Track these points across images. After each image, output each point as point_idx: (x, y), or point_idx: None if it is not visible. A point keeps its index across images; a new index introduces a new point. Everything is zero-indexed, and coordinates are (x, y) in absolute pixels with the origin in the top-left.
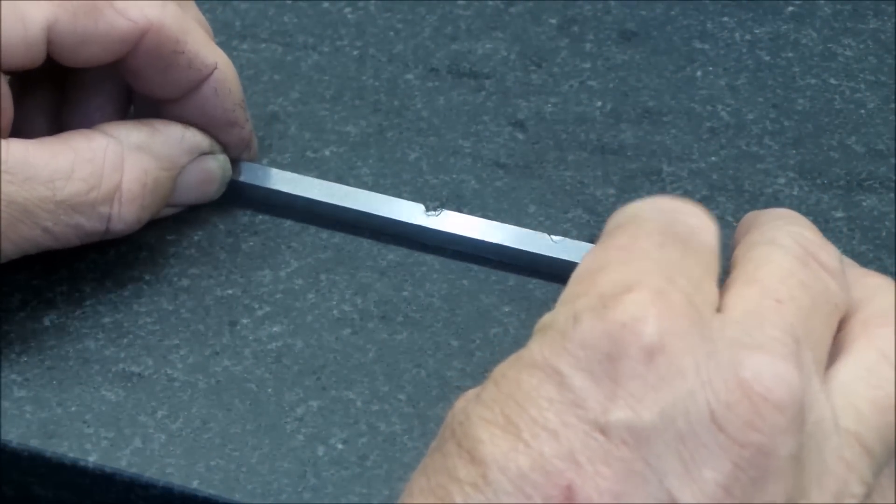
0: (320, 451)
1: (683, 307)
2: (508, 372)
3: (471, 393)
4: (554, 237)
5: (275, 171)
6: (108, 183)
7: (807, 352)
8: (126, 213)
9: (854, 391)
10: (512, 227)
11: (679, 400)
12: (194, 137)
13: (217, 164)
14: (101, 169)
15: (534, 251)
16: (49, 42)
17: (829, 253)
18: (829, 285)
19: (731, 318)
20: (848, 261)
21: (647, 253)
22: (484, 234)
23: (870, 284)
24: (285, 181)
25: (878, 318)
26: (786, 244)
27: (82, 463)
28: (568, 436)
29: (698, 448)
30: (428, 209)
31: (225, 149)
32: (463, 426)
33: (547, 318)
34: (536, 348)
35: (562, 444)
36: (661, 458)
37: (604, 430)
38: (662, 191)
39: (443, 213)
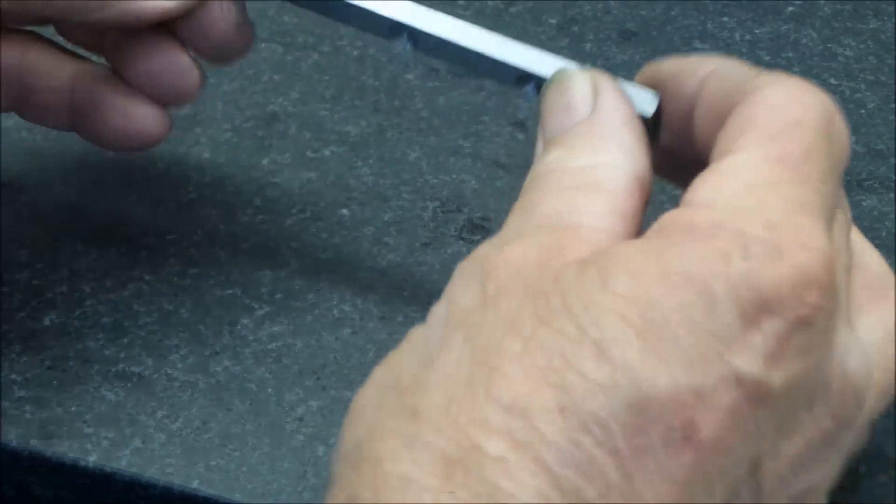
0: (320, 451)
1: (838, 281)
2: (651, 268)
3: (516, 250)
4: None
5: None
6: None
7: None
8: None
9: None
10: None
11: (804, 377)
12: None
13: None
14: None
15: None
16: None
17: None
18: None
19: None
20: None
21: (816, 188)
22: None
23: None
24: None
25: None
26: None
27: (82, 463)
28: (704, 371)
29: (794, 425)
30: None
31: None
32: (589, 310)
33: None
34: (696, 258)
35: (695, 377)
36: (767, 423)
37: (737, 377)
38: (662, 191)
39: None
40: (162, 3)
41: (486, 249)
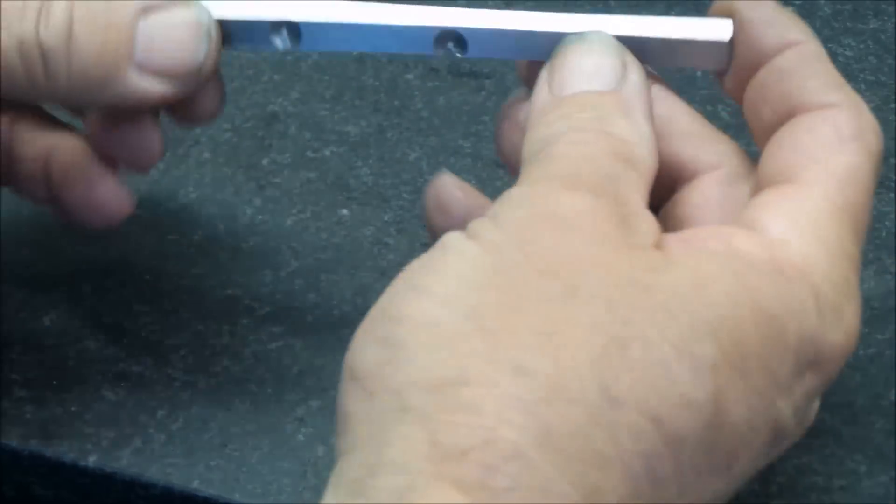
0: (320, 451)
1: None
2: (747, 300)
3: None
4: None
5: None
6: None
7: None
8: (52, 17)
9: None
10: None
11: (804, 426)
12: None
13: (189, 12)
14: None
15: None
16: None
17: None
18: None
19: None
20: None
21: (861, 244)
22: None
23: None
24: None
25: None
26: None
27: (82, 463)
28: (762, 411)
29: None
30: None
31: None
32: (694, 326)
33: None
34: (780, 303)
35: (754, 416)
36: (766, 458)
37: (776, 421)
38: None
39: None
40: (161, 88)
41: (546, 190)
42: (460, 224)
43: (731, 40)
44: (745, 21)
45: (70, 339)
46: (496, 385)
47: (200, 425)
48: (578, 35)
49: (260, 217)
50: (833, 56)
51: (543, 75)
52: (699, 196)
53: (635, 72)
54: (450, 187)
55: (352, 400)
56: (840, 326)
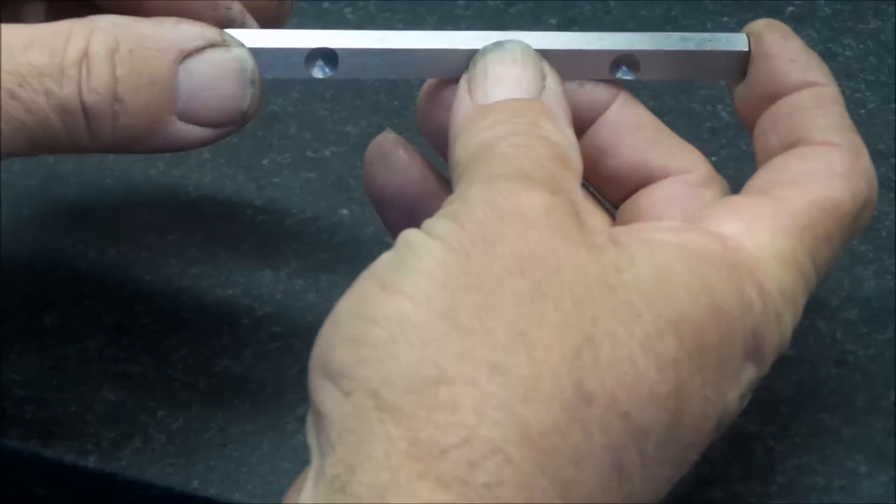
0: None
1: None
2: (703, 298)
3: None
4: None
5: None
6: (73, 48)
7: None
8: (94, 78)
9: None
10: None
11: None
12: (192, 25)
13: (229, 57)
14: (65, 36)
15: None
16: None
17: None
18: None
19: None
20: None
21: (818, 273)
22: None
23: None
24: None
25: None
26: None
27: (82, 463)
28: (716, 401)
29: None
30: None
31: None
32: (657, 322)
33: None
34: (731, 297)
35: (710, 407)
36: None
37: (724, 411)
38: None
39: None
40: (204, 134)
41: (504, 188)
42: (400, 180)
43: (748, 53)
44: (771, 55)
45: (70, 339)
46: (474, 384)
47: (200, 425)
48: (497, 44)
49: (260, 217)
50: (833, 56)
51: (463, 85)
52: (663, 192)
53: (552, 79)
54: (392, 143)
55: (326, 398)
56: (777, 328)
